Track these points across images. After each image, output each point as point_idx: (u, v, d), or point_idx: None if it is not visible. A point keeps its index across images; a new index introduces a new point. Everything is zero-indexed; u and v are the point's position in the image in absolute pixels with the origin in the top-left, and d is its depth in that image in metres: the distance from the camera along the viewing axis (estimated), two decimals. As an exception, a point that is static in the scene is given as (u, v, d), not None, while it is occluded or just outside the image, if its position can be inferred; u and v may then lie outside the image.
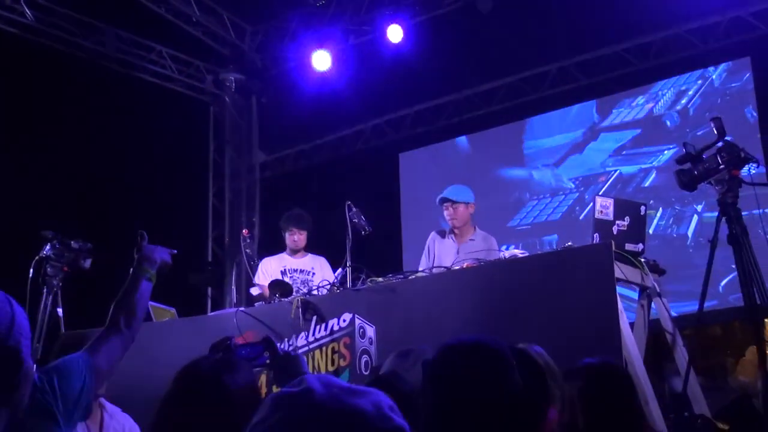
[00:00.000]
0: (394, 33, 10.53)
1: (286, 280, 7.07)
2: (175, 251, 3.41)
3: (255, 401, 2.37)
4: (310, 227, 7.40)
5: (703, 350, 9.10)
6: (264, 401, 1.45)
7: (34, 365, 2.10)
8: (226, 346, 2.90)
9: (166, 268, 3.22)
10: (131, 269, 3.14)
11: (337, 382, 1.44)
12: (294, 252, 7.41)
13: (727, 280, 8.78)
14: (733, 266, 8.26)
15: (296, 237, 7.33)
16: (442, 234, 6.87)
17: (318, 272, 7.21)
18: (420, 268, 6.43)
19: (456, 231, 6.75)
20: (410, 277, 5.80)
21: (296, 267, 7.31)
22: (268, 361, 2.83)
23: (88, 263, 6.97)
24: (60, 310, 6.59)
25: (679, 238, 9.47)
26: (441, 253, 6.67)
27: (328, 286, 6.21)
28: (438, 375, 2.03)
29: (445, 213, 6.73)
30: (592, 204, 9.55)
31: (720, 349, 9.54)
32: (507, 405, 1.94)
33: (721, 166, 5.26)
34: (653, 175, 9.78)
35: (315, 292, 6.22)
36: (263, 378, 5.42)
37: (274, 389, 4.86)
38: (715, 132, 5.41)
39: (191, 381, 2.43)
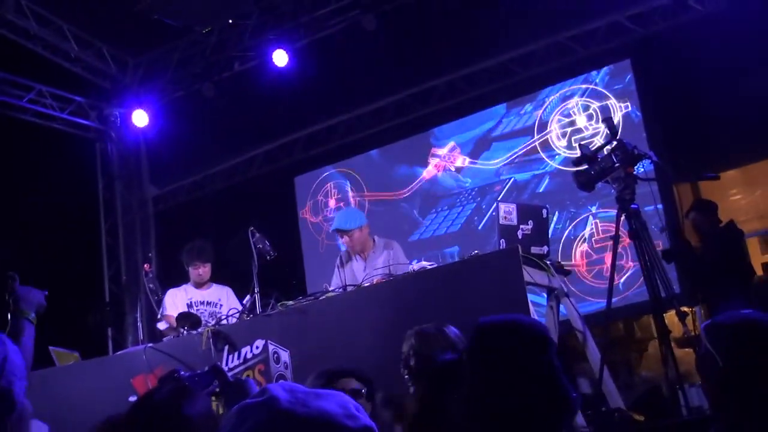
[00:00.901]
0: (280, 58, 10.50)
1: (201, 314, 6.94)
2: (47, 292, 3.29)
3: (213, 428, 2.32)
4: (213, 258, 7.27)
5: (606, 348, 9.28)
6: (228, 414, 1.41)
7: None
8: (176, 378, 2.82)
9: (42, 309, 3.07)
10: (8, 314, 3.00)
11: (299, 387, 1.42)
12: (199, 285, 7.27)
13: (625, 277, 9.01)
14: (631, 263, 8.57)
15: (200, 270, 7.18)
16: (347, 256, 6.85)
17: (225, 302, 7.08)
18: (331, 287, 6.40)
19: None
20: (321, 298, 5.76)
21: (202, 299, 7.15)
22: (217, 389, 2.77)
23: (-20, 312, 6.70)
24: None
25: (577, 240, 9.67)
26: (349, 272, 6.65)
27: (238, 314, 6.12)
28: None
29: (342, 242, 6.76)
30: (492, 212, 9.76)
31: (622, 345, 9.77)
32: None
33: (616, 165, 5.42)
34: (546, 181, 9.97)
35: (224, 322, 6.12)
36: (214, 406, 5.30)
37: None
38: (608, 132, 5.56)
39: (150, 413, 2.35)
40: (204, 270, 7.18)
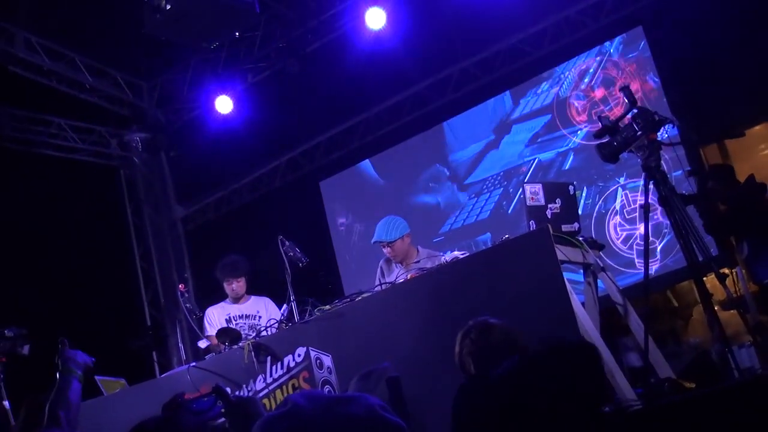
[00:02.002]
0: (292, 65, 10.50)
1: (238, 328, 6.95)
2: (94, 359, 3.49)
3: None
4: (247, 271, 7.26)
5: (650, 318, 9.21)
6: (253, 428, 1.39)
7: None
8: (177, 404, 2.82)
9: (89, 370, 3.32)
10: (57, 374, 3.07)
11: (321, 394, 1.40)
12: (235, 299, 7.28)
13: (662, 245, 8.92)
14: (666, 230, 8.48)
15: (234, 285, 7.19)
16: (388, 265, 6.81)
17: (264, 314, 7.09)
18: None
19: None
20: (357, 299, 5.73)
21: (240, 313, 7.17)
22: (223, 410, 2.75)
23: (26, 349, 6.77)
24: (7, 403, 6.37)
25: (609, 213, 9.59)
26: (391, 277, 6.59)
27: (276, 325, 6.11)
28: None
29: (385, 251, 6.67)
30: (520, 194, 9.71)
31: (667, 314, 9.68)
32: None
33: (639, 133, 5.34)
34: (571, 158, 9.89)
35: (264, 333, 6.12)
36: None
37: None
38: (627, 101, 5.49)
39: None
40: (237, 285, 7.19)
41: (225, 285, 7.23)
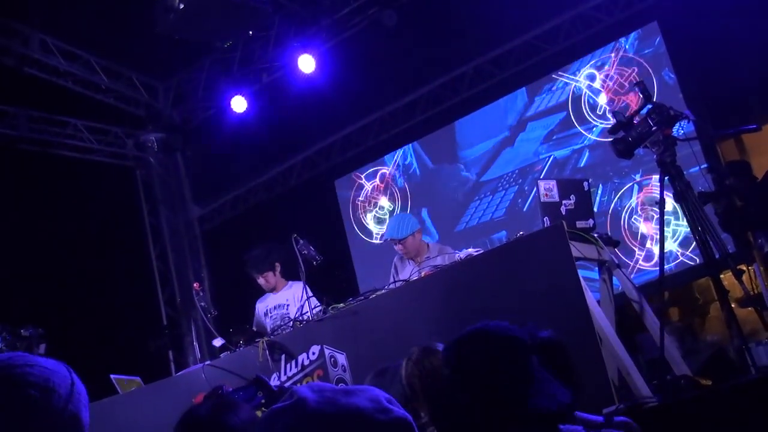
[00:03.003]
0: (306, 63, 10.47)
1: (268, 321, 6.96)
2: None
3: None
4: (273, 263, 7.11)
5: (665, 314, 9.15)
6: (258, 421, 1.38)
7: None
8: (219, 395, 2.82)
9: None
10: None
11: (327, 386, 1.39)
12: (271, 290, 7.23)
13: (679, 240, 8.87)
14: (683, 226, 8.42)
15: (260, 281, 7.15)
16: (402, 259, 6.82)
17: (291, 302, 7.00)
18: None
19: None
20: (371, 297, 5.73)
21: (275, 303, 7.13)
22: (263, 401, 2.75)
23: (42, 348, 6.82)
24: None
25: (625, 210, 9.54)
26: (404, 274, 6.60)
27: (298, 314, 6.12)
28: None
29: (396, 248, 6.68)
30: (535, 191, 9.66)
31: (684, 310, 9.62)
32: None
33: (654, 128, 5.31)
34: (586, 154, 9.84)
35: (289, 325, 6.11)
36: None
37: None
38: (641, 96, 5.46)
39: (192, 427, 2.36)
40: (264, 279, 7.13)
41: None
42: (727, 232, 7.61)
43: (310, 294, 6.22)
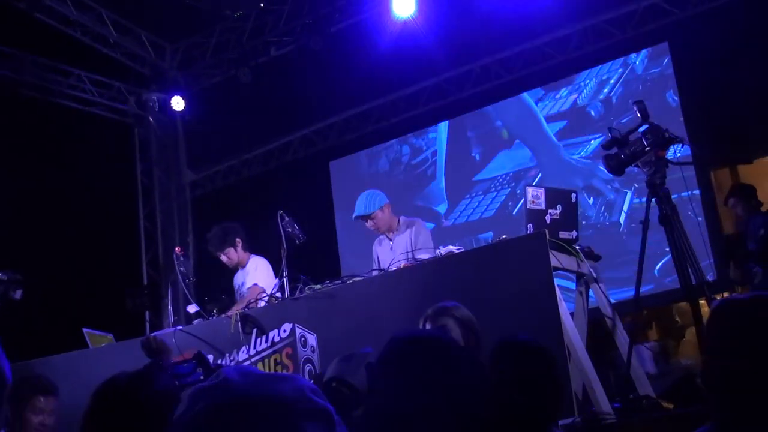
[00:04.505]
0: (315, 41, 10.50)
1: (237, 298, 6.91)
2: None
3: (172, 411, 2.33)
4: (234, 240, 7.06)
5: (642, 335, 9.20)
6: (182, 397, 1.40)
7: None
8: (158, 365, 2.83)
9: None
10: None
11: (255, 370, 1.41)
12: (236, 267, 7.21)
13: (661, 263, 8.89)
14: (667, 249, 8.44)
15: (223, 258, 7.09)
16: (380, 240, 6.84)
17: (247, 281, 6.99)
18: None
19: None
20: (348, 282, 5.75)
21: (242, 281, 7.11)
22: (202, 377, 2.76)
23: (18, 294, 6.81)
24: (-6, 345, 6.40)
25: (612, 226, 9.57)
26: (382, 257, 6.62)
27: (266, 298, 6.14)
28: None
29: (367, 225, 6.68)
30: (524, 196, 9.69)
31: (660, 332, 9.67)
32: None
33: (647, 148, 5.32)
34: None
35: (252, 305, 6.13)
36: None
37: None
38: (639, 115, 5.47)
39: (108, 396, 2.38)
40: (226, 257, 7.08)
41: None
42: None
43: (286, 273, 6.22)
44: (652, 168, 5.34)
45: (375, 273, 5.91)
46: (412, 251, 6.05)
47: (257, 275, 6.85)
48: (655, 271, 8.86)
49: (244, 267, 7.15)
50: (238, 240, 7.07)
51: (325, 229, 11.05)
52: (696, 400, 5.38)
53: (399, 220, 6.70)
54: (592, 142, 9.79)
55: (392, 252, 6.39)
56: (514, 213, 10.13)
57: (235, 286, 7.19)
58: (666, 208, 5.32)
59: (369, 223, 6.58)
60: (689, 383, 6.07)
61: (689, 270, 5.29)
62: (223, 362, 5.76)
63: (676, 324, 9.71)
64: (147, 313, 11.38)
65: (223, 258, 7.10)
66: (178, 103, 11.73)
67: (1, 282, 6.78)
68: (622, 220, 9.51)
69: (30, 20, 10.48)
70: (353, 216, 6.66)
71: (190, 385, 2.70)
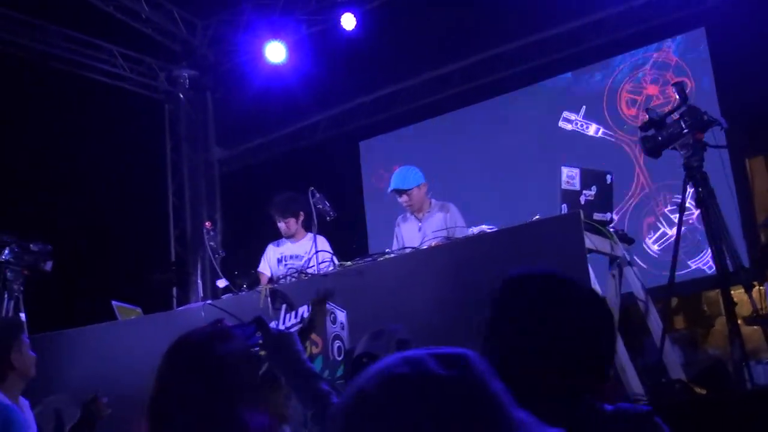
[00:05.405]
0: (348, 21, 10.43)
1: (281, 268, 6.89)
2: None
3: (249, 370, 2.32)
4: (297, 211, 7.07)
5: (669, 320, 9.12)
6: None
7: None
8: (219, 327, 2.81)
9: None
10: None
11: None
12: (288, 238, 7.21)
13: (693, 248, 8.82)
14: (699, 237, 8.35)
15: (281, 225, 7.11)
16: (404, 217, 6.81)
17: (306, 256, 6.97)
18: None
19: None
20: (379, 260, 5.73)
21: (292, 253, 7.07)
22: (260, 341, 2.75)
23: (49, 266, 6.85)
24: (23, 315, 6.44)
25: (644, 211, 9.47)
26: (407, 235, 6.60)
27: (296, 274, 6.12)
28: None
29: (400, 200, 6.65)
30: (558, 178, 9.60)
31: (688, 320, 9.58)
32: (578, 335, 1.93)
33: (685, 131, 5.26)
34: (614, 151, 9.77)
35: (285, 279, 6.12)
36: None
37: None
38: (678, 97, 5.40)
39: (184, 350, 2.36)
40: (286, 224, 7.10)
41: (277, 223, 7.21)
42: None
43: (330, 251, 6.22)
44: (689, 150, 5.28)
45: (407, 251, 5.87)
46: (447, 229, 6.01)
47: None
48: (686, 257, 8.78)
49: (297, 240, 7.15)
50: (301, 213, 7.07)
51: (353, 207, 11.02)
52: (727, 385, 5.33)
53: (431, 202, 6.67)
54: (625, 126, 9.68)
55: (420, 233, 6.36)
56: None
57: (275, 256, 7.18)
58: (703, 191, 5.26)
59: (403, 198, 6.55)
60: (719, 370, 6.02)
61: (725, 255, 5.23)
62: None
63: (704, 313, 9.62)
64: (174, 288, 11.42)
65: (281, 225, 7.11)
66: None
67: (32, 253, 6.82)
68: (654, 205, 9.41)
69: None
70: (389, 188, 6.62)
71: (250, 347, 2.67)
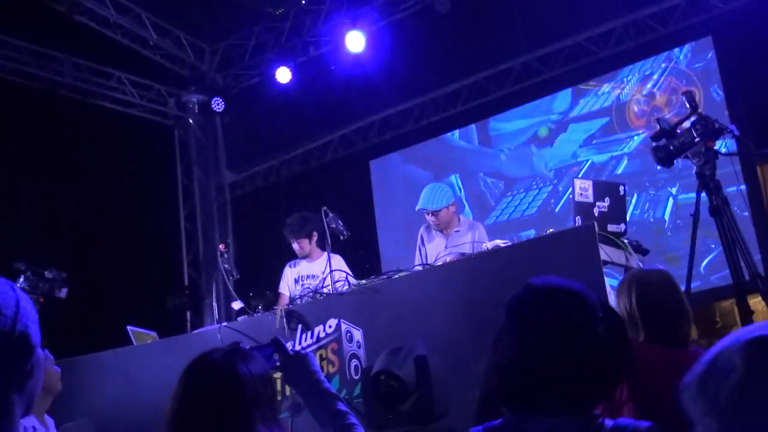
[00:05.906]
0: (354, 41, 10.46)
1: (298, 288, 6.91)
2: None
3: (269, 392, 2.32)
4: (311, 231, 7.12)
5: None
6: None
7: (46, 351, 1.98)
8: (236, 349, 2.81)
9: None
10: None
11: None
12: (303, 258, 7.23)
13: (708, 260, 8.78)
14: (713, 246, 8.32)
15: (296, 246, 7.15)
16: (428, 229, 6.76)
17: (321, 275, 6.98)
18: (415, 263, 6.34)
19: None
20: (393, 277, 5.71)
21: (309, 273, 7.10)
22: (278, 363, 2.75)
23: (64, 292, 6.88)
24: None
25: (657, 222, 9.46)
26: (430, 249, 6.57)
27: (311, 294, 6.11)
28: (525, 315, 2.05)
29: (428, 219, 6.60)
30: (569, 194, 9.60)
31: (701, 331, 9.51)
32: (591, 354, 1.95)
33: (697, 139, 5.23)
34: (625, 162, 9.76)
35: (298, 302, 6.11)
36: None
37: (287, 390, 4.78)
38: (688, 106, 5.38)
39: (203, 369, 2.36)
40: (299, 245, 7.13)
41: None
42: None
43: (347, 269, 6.22)
44: (701, 159, 5.25)
45: (420, 268, 5.86)
46: (472, 243, 6.00)
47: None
48: (702, 268, 8.74)
49: (311, 260, 7.18)
50: (315, 233, 7.10)
51: (365, 228, 11.03)
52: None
53: (459, 219, 6.66)
54: (635, 138, 9.68)
55: (446, 250, 6.32)
56: (557, 210, 10.05)
57: (292, 276, 7.20)
58: (716, 199, 5.22)
59: (430, 218, 6.51)
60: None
61: (741, 262, 5.19)
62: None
63: (716, 324, 9.55)
64: (188, 313, 11.43)
65: (295, 245, 7.15)
66: (218, 104, 11.74)
67: (47, 280, 6.85)
68: (667, 216, 9.38)
69: (70, 22, 10.56)
70: (417, 207, 6.58)
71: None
